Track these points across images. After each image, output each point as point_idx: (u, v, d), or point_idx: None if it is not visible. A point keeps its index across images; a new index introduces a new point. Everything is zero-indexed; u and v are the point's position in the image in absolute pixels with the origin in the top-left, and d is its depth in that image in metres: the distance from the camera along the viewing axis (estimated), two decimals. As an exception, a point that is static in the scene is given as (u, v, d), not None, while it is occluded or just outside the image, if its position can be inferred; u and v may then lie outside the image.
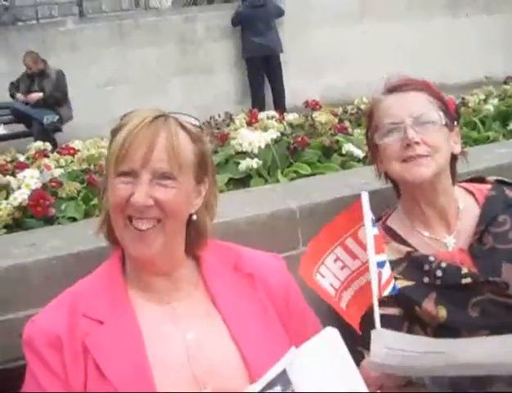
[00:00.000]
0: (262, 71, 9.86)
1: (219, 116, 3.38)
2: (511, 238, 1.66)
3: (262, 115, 3.17)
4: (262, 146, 2.49)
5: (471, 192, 1.77)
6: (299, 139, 2.55)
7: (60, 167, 2.52)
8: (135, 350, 1.33)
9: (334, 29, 10.26)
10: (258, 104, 8.96)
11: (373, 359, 1.26)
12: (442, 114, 1.67)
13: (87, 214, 2.11)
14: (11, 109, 8.89)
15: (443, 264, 1.63)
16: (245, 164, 2.39)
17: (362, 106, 3.28)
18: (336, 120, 2.95)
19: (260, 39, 9.64)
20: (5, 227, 2.06)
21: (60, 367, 1.31)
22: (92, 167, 2.40)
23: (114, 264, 1.45)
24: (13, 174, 2.39)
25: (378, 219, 1.71)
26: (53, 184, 2.20)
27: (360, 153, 2.56)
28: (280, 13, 10.07)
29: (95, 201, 2.12)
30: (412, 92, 1.69)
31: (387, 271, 1.47)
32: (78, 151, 2.71)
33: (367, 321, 1.46)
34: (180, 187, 1.35)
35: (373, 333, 1.33)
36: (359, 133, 2.85)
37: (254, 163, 2.39)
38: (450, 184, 1.72)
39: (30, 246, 1.81)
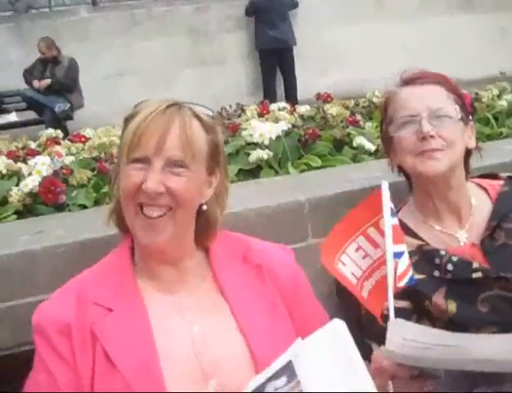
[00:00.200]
0: (274, 63, 9.83)
1: (230, 107, 3.38)
2: None
3: (273, 107, 3.16)
4: (273, 137, 2.48)
5: (484, 188, 1.76)
6: (310, 131, 2.53)
7: (72, 155, 2.52)
8: (143, 338, 1.33)
9: (347, 23, 10.22)
10: (270, 96, 8.96)
11: (388, 348, 1.25)
12: (458, 108, 1.66)
13: (97, 202, 2.11)
14: (23, 96, 8.92)
15: (454, 259, 1.62)
16: (256, 155, 2.39)
17: (374, 100, 3.26)
18: (348, 113, 2.94)
19: (274, 32, 9.60)
20: (15, 213, 2.07)
21: (69, 353, 1.32)
22: (102, 155, 2.41)
23: (123, 253, 1.45)
24: (24, 161, 2.40)
25: (390, 212, 1.70)
26: (64, 171, 2.20)
27: (371, 146, 2.54)
28: (294, 5, 10.03)
29: (105, 189, 2.12)
30: (429, 85, 1.68)
31: (404, 262, 1.45)
32: (90, 139, 2.71)
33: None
34: (192, 176, 1.35)
35: (389, 323, 1.33)
36: (371, 126, 2.83)
37: (265, 154, 2.38)
38: (463, 179, 1.71)
39: (39, 233, 1.82)
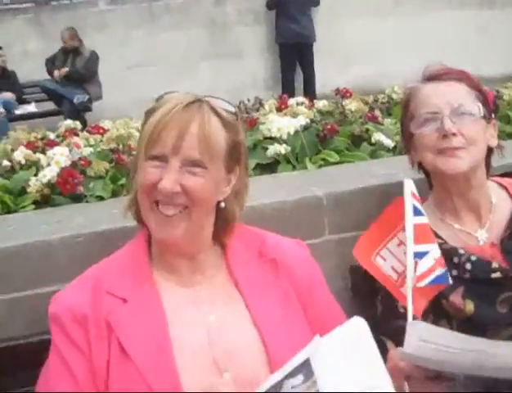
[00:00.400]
0: (294, 58, 9.79)
1: (249, 101, 3.36)
2: None
3: (291, 101, 3.14)
4: (291, 132, 2.47)
5: (504, 187, 1.74)
6: (329, 127, 2.52)
7: (90, 146, 2.52)
8: (158, 329, 1.34)
9: (366, 19, 10.17)
10: (288, 90, 8.93)
11: (406, 349, 1.24)
12: (480, 105, 1.64)
13: (114, 194, 2.11)
14: (42, 88, 8.99)
15: (473, 258, 1.61)
16: (273, 149, 2.38)
17: (394, 96, 3.23)
18: (367, 109, 2.91)
19: (295, 26, 9.55)
20: (33, 203, 2.08)
21: (84, 342, 1.33)
22: (120, 147, 2.41)
23: (139, 244, 1.46)
24: (43, 152, 2.40)
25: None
26: (82, 163, 2.20)
27: (390, 143, 2.52)
28: (316, 2, 9.94)
29: (122, 181, 2.13)
30: (451, 81, 1.66)
31: (426, 262, 1.44)
32: (108, 130, 2.72)
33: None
34: (209, 175, 1.34)
35: (408, 325, 1.32)
36: (389, 122, 2.81)
37: (282, 149, 2.37)
38: (484, 178, 1.70)
39: (57, 223, 1.83)
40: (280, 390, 1.17)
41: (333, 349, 1.17)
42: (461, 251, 1.63)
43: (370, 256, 1.51)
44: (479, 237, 1.66)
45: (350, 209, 1.89)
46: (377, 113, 2.84)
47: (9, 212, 2.06)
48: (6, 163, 2.32)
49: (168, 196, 1.33)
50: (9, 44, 8.94)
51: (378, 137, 2.53)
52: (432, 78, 1.68)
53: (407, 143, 1.74)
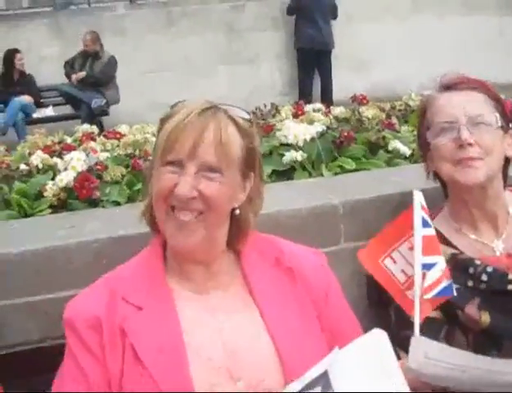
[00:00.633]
0: (313, 63, 9.76)
1: (265, 107, 3.36)
2: None
3: (308, 108, 3.14)
4: (308, 139, 2.46)
5: (522, 197, 1.72)
6: (345, 134, 2.50)
7: (106, 151, 2.53)
8: (172, 337, 1.34)
9: (384, 24, 10.15)
10: (305, 96, 8.91)
11: (410, 365, 1.23)
12: (498, 115, 1.62)
13: (130, 199, 2.12)
14: (60, 91, 9.06)
15: (489, 269, 1.59)
16: (289, 156, 2.37)
17: (411, 103, 3.21)
18: (383, 116, 2.90)
19: (316, 32, 9.54)
20: (50, 207, 2.09)
21: (98, 348, 1.33)
22: (137, 152, 2.41)
23: (155, 251, 1.46)
24: (60, 156, 2.41)
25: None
26: (98, 167, 2.21)
27: (406, 150, 2.51)
28: (335, 15, 9.90)
29: (138, 186, 2.13)
30: (468, 91, 1.65)
31: (434, 274, 1.43)
32: (124, 135, 2.72)
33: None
34: (225, 181, 1.34)
35: (412, 340, 1.30)
36: (406, 129, 2.79)
37: (299, 155, 2.36)
38: (501, 188, 1.68)
39: (73, 228, 1.84)
40: None
41: (352, 361, 1.15)
42: (477, 262, 1.61)
43: (377, 259, 1.50)
44: (495, 248, 1.65)
45: (366, 217, 1.88)
46: (394, 120, 2.83)
47: (26, 216, 2.07)
48: (23, 167, 2.33)
49: (184, 201, 1.33)
50: (28, 48, 9.03)
51: (395, 144, 2.52)
52: (449, 87, 1.67)
53: (423, 152, 1.73)
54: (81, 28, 9.16)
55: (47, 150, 2.50)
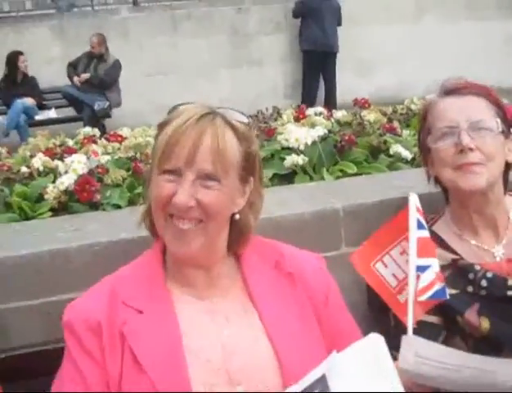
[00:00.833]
0: (319, 65, 9.73)
1: (267, 110, 3.36)
2: None
3: (310, 111, 3.14)
4: (309, 142, 2.46)
5: (523, 202, 1.72)
6: (347, 137, 2.51)
7: (108, 154, 2.54)
8: (171, 342, 1.33)
9: (389, 28, 10.15)
10: (310, 99, 8.92)
11: (401, 365, 1.23)
12: (499, 120, 1.62)
13: (131, 202, 2.12)
14: (63, 93, 9.07)
15: (489, 274, 1.59)
16: (291, 160, 2.37)
17: (412, 107, 3.21)
18: (385, 120, 2.90)
19: (322, 34, 9.54)
20: (50, 210, 2.09)
21: (98, 352, 1.33)
22: (138, 155, 2.42)
23: (154, 255, 1.45)
24: (61, 159, 2.42)
25: (423, 224, 1.67)
26: (99, 170, 2.22)
27: (408, 155, 2.51)
28: (340, 23, 9.89)
29: (139, 190, 2.13)
30: (470, 96, 1.64)
31: (428, 276, 1.43)
32: (126, 138, 2.73)
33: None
34: (223, 189, 1.34)
35: (403, 340, 1.30)
36: (408, 134, 2.79)
37: (300, 159, 2.36)
38: (502, 193, 1.68)
39: (74, 231, 1.84)
40: None
41: (349, 365, 1.16)
42: (477, 267, 1.61)
43: (369, 262, 1.50)
44: (496, 253, 1.64)
45: (367, 221, 1.88)
46: (395, 124, 2.83)
47: (26, 219, 2.07)
48: (24, 169, 2.33)
49: (182, 210, 1.32)
50: (31, 50, 9.04)
51: (396, 148, 2.52)
52: (450, 92, 1.66)
53: (424, 157, 1.73)
54: (84, 30, 9.18)
55: (49, 152, 2.51)
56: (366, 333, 1.28)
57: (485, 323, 1.55)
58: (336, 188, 2.19)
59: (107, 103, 8.78)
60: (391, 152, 2.52)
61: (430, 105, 1.69)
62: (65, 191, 2.10)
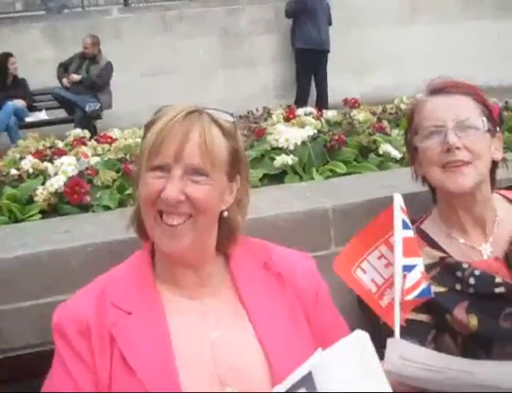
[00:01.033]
0: (312, 65, 9.71)
1: (257, 110, 3.36)
2: None
3: (299, 112, 3.15)
4: (299, 142, 2.47)
5: (510, 200, 1.73)
6: (336, 137, 2.51)
7: (98, 155, 2.54)
8: (161, 343, 1.33)
9: (384, 29, 10.17)
10: (303, 98, 8.91)
11: (386, 366, 1.24)
12: (485, 119, 1.63)
13: (121, 204, 2.12)
14: (54, 95, 9.04)
15: (477, 272, 1.60)
16: (281, 160, 2.38)
17: (402, 106, 3.23)
18: (375, 119, 2.91)
19: (316, 33, 9.53)
20: (40, 212, 2.09)
21: (87, 353, 1.33)
22: (128, 156, 2.42)
23: (143, 256, 1.46)
24: (51, 160, 2.42)
25: (412, 223, 1.68)
26: (89, 172, 2.22)
27: (397, 154, 2.52)
28: (330, 22, 9.90)
29: (129, 191, 2.13)
30: (456, 95, 1.65)
31: (414, 276, 1.44)
32: (116, 139, 2.73)
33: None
34: (212, 183, 1.35)
35: (389, 342, 1.31)
36: (397, 133, 2.80)
37: (290, 159, 2.37)
38: (489, 192, 1.68)
39: (65, 233, 1.84)
40: None
41: (335, 362, 1.17)
42: (465, 265, 1.62)
43: (350, 268, 1.51)
44: (483, 252, 1.65)
45: (357, 221, 1.87)
46: (385, 124, 2.84)
47: (16, 221, 2.07)
48: (14, 172, 2.33)
49: (171, 205, 1.33)
50: (22, 52, 9.00)
51: (385, 148, 2.53)
52: (437, 91, 1.67)
53: (412, 156, 1.74)
54: (75, 31, 9.15)
55: (38, 154, 2.50)
56: (355, 332, 1.29)
57: (473, 321, 1.56)
58: (326, 188, 2.19)
59: (98, 105, 8.76)
60: (380, 152, 2.53)
61: (417, 104, 1.70)
62: (55, 193, 2.10)
